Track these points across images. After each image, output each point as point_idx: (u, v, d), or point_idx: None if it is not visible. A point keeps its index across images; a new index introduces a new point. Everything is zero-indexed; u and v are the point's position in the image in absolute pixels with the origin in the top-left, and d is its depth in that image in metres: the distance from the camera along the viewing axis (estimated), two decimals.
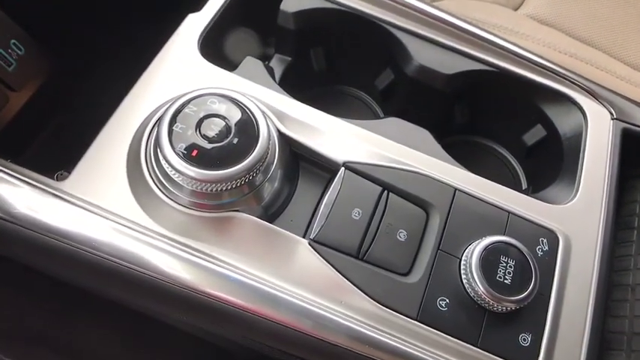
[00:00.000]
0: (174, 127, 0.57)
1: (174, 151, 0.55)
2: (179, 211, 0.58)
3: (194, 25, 0.72)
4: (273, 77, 0.73)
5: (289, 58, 0.82)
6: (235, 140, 0.57)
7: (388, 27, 0.79)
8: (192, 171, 0.55)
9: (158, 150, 0.56)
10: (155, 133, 0.59)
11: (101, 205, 0.58)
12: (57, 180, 0.61)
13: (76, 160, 0.63)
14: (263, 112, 0.61)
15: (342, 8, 0.79)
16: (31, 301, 0.80)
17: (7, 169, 0.58)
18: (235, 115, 0.59)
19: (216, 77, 0.68)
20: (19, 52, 0.85)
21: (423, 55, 0.77)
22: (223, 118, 0.58)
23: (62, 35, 0.90)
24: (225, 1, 0.76)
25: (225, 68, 0.70)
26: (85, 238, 0.56)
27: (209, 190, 0.56)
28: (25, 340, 0.80)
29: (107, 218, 0.57)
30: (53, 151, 0.81)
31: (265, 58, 0.81)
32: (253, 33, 0.84)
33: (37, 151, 0.84)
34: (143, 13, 0.84)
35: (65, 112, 0.90)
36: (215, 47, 0.72)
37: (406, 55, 0.78)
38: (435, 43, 0.79)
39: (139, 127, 0.63)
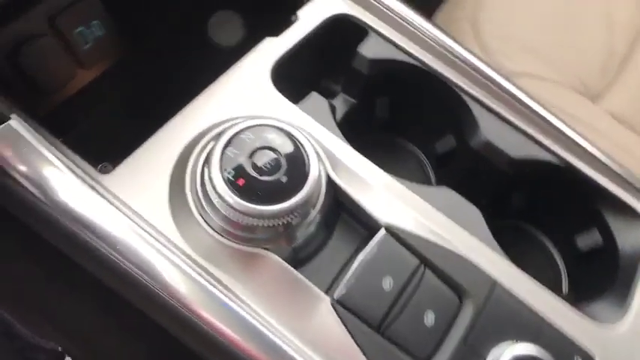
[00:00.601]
0: (227, 150, 0.55)
1: (222, 175, 0.54)
2: (209, 234, 0.56)
3: (271, 49, 0.71)
4: (335, 117, 0.71)
5: (354, 101, 0.80)
6: (284, 177, 0.55)
7: (461, 93, 0.77)
8: (234, 200, 0.53)
9: (206, 169, 0.55)
10: (207, 150, 0.58)
11: (135, 209, 0.57)
12: (100, 172, 0.60)
13: (121, 154, 0.62)
14: (317, 154, 0.59)
15: (419, 65, 0.77)
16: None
17: (57, 150, 0.57)
18: (289, 151, 0.57)
19: (280, 107, 0.67)
20: (98, 33, 0.87)
21: (491, 131, 0.74)
22: (277, 151, 0.56)
23: (145, 28, 0.91)
24: (306, 32, 0.75)
25: (290, 98, 0.69)
26: (110, 237, 0.55)
27: (245, 222, 0.54)
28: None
29: (137, 224, 0.56)
30: (101, 138, 0.81)
31: (329, 94, 0.80)
32: (323, 68, 0.83)
33: (85, 133, 0.84)
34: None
35: (124, 101, 0.91)
36: (284, 76, 0.71)
37: (474, 126, 0.75)
38: (506, 120, 0.76)
39: (193, 139, 0.62)
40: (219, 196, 0.53)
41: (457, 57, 0.78)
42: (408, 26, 0.78)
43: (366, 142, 0.84)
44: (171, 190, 0.59)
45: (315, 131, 0.66)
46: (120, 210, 0.56)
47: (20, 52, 0.79)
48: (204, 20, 0.92)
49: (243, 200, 0.53)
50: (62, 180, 0.56)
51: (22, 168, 0.55)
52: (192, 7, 0.92)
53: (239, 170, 0.54)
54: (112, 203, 0.57)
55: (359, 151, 0.68)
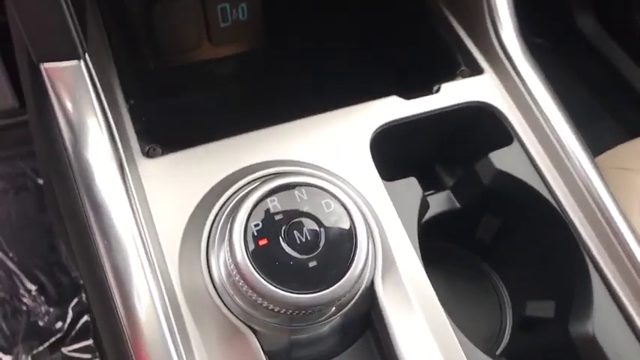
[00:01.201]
0: (268, 200, 0.45)
1: (245, 223, 0.43)
2: (204, 281, 0.46)
3: (391, 109, 0.61)
4: (421, 215, 0.58)
5: (458, 206, 0.66)
6: (314, 262, 0.43)
7: (586, 255, 0.59)
8: (243, 259, 0.42)
9: (233, 214, 0.44)
10: (251, 187, 0.48)
11: (153, 212, 0.49)
12: (143, 153, 0.53)
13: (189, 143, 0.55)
14: (369, 251, 0.47)
15: (552, 202, 0.61)
16: None
17: (112, 113, 0.51)
18: (337, 233, 0.45)
19: (364, 176, 0.55)
20: (240, 15, 0.82)
21: (604, 324, 0.56)
22: (322, 226, 0.45)
23: (291, 31, 0.84)
24: (439, 107, 0.63)
25: (384, 170, 0.57)
26: (107, 227, 0.47)
27: (246, 291, 0.43)
28: None
29: (142, 229, 0.48)
30: (185, 118, 0.75)
31: (433, 185, 0.66)
32: (441, 153, 0.70)
33: (173, 106, 0.79)
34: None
35: (231, 92, 0.85)
36: (392, 143, 0.60)
37: (585, 308, 0.57)
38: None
39: (249, 166, 0.52)
40: (231, 245, 0.43)
41: (600, 209, 0.61)
42: (557, 145, 0.62)
43: (451, 257, 0.70)
44: (197, 209, 0.50)
45: (387, 221, 0.53)
46: (134, 205, 0.48)
47: (161, 3, 0.76)
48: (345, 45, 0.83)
49: (254, 266, 0.42)
50: (96, 145, 0.50)
51: (67, 111, 0.50)
52: (345, 28, 0.85)
53: (268, 228, 0.43)
54: (130, 192, 0.49)
55: (430, 264, 0.54)
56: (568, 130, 0.63)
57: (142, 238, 0.47)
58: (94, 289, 0.47)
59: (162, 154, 0.54)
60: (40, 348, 1.20)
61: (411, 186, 0.58)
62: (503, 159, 0.62)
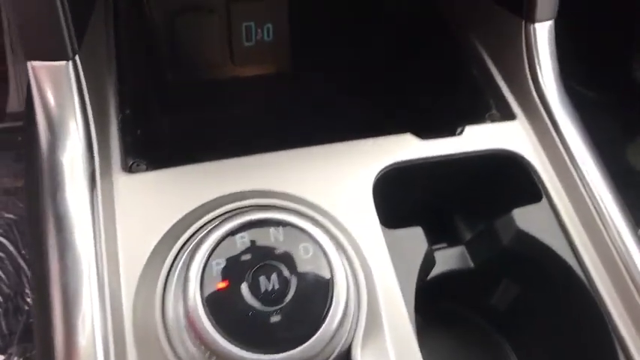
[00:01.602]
0: (237, 236, 0.39)
1: (204, 261, 0.38)
2: (155, 327, 0.41)
3: (404, 148, 0.54)
4: (422, 273, 0.51)
5: (471, 266, 0.58)
6: (278, 316, 0.37)
7: (614, 335, 0.51)
8: (196, 301, 0.37)
9: (196, 247, 0.39)
10: (223, 218, 0.43)
11: (119, 233, 0.45)
12: (124, 167, 0.49)
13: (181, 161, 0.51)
14: (354, 312, 0.40)
15: (581, 278, 0.52)
16: None
17: (98, 123, 0.48)
18: (312, 284, 0.39)
19: (361, 220, 0.49)
20: (265, 36, 0.79)
21: None
22: (296, 274, 0.39)
23: (317, 60, 0.80)
24: (459, 152, 0.56)
25: (388, 218, 0.50)
26: (66, 240, 0.43)
27: (195, 338, 0.37)
28: None
29: (100, 249, 0.43)
30: (186, 134, 0.72)
31: (444, 237, 0.59)
32: (457, 202, 0.63)
33: (179, 120, 0.76)
34: None
35: (241, 112, 0.81)
36: (400, 187, 0.54)
37: None
38: None
39: (226, 196, 0.47)
40: (185, 283, 0.37)
41: (638, 290, 0.52)
42: (593, 209, 0.54)
43: (453, 322, 0.62)
44: (165, 237, 0.45)
45: (380, 276, 0.46)
46: (97, 223, 0.44)
47: (185, 14, 0.74)
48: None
49: (206, 313, 0.36)
50: (70, 152, 0.46)
51: (47, 112, 0.46)
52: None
53: (231, 268, 0.38)
54: (96, 207, 0.44)
55: (432, 328, 0.47)
56: (607, 193, 0.55)
57: (97, 262, 0.42)
58: (38, 302, 0.43)
59: (146, 170, 0.50)
60: (34, 352, 1.17)
61: (414, 237, 0.51)
62: (527, 218, 0.54)
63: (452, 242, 0.59)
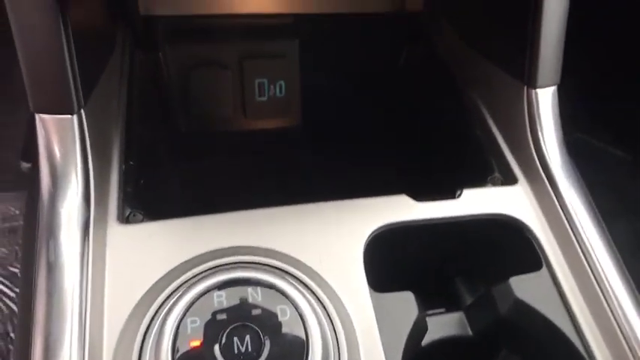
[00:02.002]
0: (215, 294, 0.39)
1: (177, 320, 0.38)
2: None
3: (400, 209, 0.54)
4: (418, 337, 0.49)
5: (470, 333, 0.56)
6: None
7: None
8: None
9: (173, 304, 0.39)
10: (200, 280, 0.43)
11: (107, 286, 0.45)
12: (126, 219, 0.50)
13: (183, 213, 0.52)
14: None
15: (573, 341, 0.50)
16: None
17: (98, 175, 0.49)
18: (287, 349, 0.38)
19: (351, 284, 0.48)
20: (277, 92, 0.81)
21: None
22: (270, 337, 0.38)
23: (324, 115, 0.82)
24: (455, 215, 0.55)
25: (379, 281, 0.50)
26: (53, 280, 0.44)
27: None
28: None
29: (84, 298, 0.43)
30: (187, 185, 0.73)
31: (438, 303, 0.58)
32: (452, 271, 0.61)
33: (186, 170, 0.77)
34: None
35: (247, 168, 0.82)
36: (383, 251, 0.53)
37: None
38: None
39: (211, 252, 0.47)
40: (159, 341, 0.37)
41: None
42: (594, 281, 0.52)
43: None
44: (149, 291, 0.45)
45: (364, 343, 0.45)
46: (85, 274, 0.45)
47: (199, 70, 0.77)
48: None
49: None
50: (67, 202, 0.47)
51: (50, 162, 0.48)
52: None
53: (206, 328, 0.38)
54: (86, 258, 0.45)
55: None
56: (611, 266, 0.53)
57: (81, 312, 0.42)
58: (20, 346, 0.43)
59: (142, 220, 0.51)
60: None
61: (405, 301, 0.49)
62: (526, 287, 0.53)
63: (447, 308, 0.57)
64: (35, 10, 0.45)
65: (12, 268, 1.31)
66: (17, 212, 1.43)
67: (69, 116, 0.49)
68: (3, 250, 1.36)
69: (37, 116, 0.49)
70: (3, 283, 1.29)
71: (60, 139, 0.49)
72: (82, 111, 0.49)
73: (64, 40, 0.46)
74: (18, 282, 1.32)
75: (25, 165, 1.46)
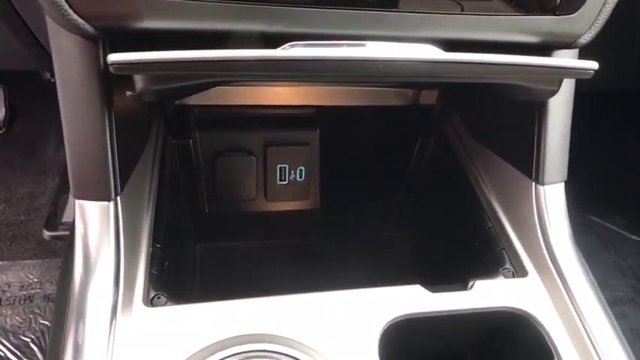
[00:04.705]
0: None
1: None
2: None
3: (400, 303, 0.56)
4: None
5: None
6: None
7: None
8: None
9: None
10: None
11: None
12: (150, 301, 0.53)
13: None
14: None
15: None
16: None
17: (125, 256, 0.53)
18: None
19: None
20: (298, 177, 0.85)
21: None
22: None
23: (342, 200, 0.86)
24: (461, 308, 0.57)
25: None
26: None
27: None
28: None
29: None
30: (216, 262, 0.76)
31: None
32: None
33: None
34: None
35: (270, 246, 0.85)
36: (398, 341, 0.54)
37: None
38: None
39: (228, 339, 0.49)
40: None
41: None
42: None
43: None
44: None
45: None
46: (111, 352, 0.47)
47: (226, 155, 0.82)
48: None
49: None
50: (97, 287, 0.50)
51: (84, 246, 0.52)
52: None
53: None
54: (111, 341, 0.48)
55: None
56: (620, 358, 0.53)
57: None
58: None
59: (166, 304, 0.54)
60: None
61: None
62: None
63: None
64: (83, 102, 0.50)
65: (24, 338, 1.31)
66: (35, 280, 1.45)
67: (106, 203, 0.53)
68: (17, 318, 1.37)
69: (77, 202, 0.53)
70: (14, 353, 1.29)
71: (96, 224, 0.52)
72: (118, 198, 0.53)
73: (108, 133, 0.51)
74: (29, 352, 1.32)
75: (48, 234, 1.49)
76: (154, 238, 0.60)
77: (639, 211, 1.56)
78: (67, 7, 0.43)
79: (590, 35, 0.54)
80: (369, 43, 0.46)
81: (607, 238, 1.66)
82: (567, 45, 0.56)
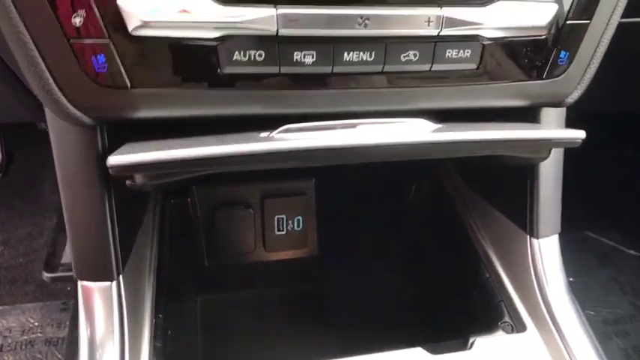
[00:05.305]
0: None
1: None
2: None
3: None
4: None
5: None
6: None
7: None
8: None
9: None
10: None
11: None
12: None
13: None
14: None
15: None
16: None
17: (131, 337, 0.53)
18: None
19: None
20: (296, 226, 0.86)
21: None
22: None
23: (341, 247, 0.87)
24: None
25: None
26: None
27: None
28: None
29: None
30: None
31: None
32: None
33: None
34: None
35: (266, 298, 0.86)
36: None
37: None
38: None
39: None
40: None
41: None
42: None
43: None
44: None
45: None
46: None
47: (224, 209, 0.83)
48: None
49: None
50: None
51: (89, 326, 0.52)
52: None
53: None
54: None
55: None
56: None
57: None
58: None
59: None
60: None
61: None
62: None
63: None
64: (82, 186, 0.51)
65: None
66: (36, 324, 1.44)
67: (109, 283, 0.53)
68: None
69: (79, 283, 0.54)
70: None
71: (100, 305, 0.53)
72: (121, 277, 0.54)
73: (108, 216, 0.52)
74: None
75: (47, 275, 1.48)
76: (156, 308, 0.60)
77: (636, 225, 1.56)
78: (64, 100, 0.44)
79: (577, 94, 0.56)
80: (361, 127, 0.47)
81: (604, 254, 1.66)
82: (556, 104, 0.57)
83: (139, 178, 0.44)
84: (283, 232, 0.86)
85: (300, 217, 0.86)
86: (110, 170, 0.42)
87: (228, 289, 0.85)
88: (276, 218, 0.85)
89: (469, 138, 0.46)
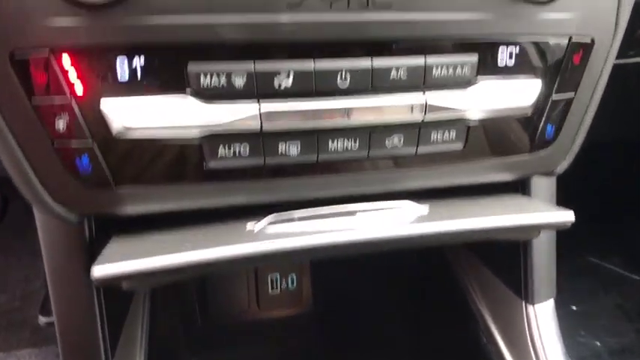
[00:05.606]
0: None
1: None
2: None
3: None
4: None
5: None
6: None
7: None
8: None
9: None
10: None
11: None
12: None
13: None
14: None
15: None
16: None
17: None
18: None
19: None
20: (290, 284, 0.86)
21: None
22: None
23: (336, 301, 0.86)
24: None
25: None
26: None
27: None
28: None
29: None
30: None
31: None
32: None
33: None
34: None
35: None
36: None
37: None
38: None
39: None
40: None
41: None
42: None
43: None
44: None
45: None
46: None
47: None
48: None
49: None
50: None
51: None
52: None
53: None
54: None
55: None
56: None
57: None
58: None
59: None
60: None
61: None
62: None
63: None
64: (69, 275, 0.50)
65: None
66: None
67: None
68: None
69: None
70: None
71: None
72: None
73: (96, 306, 0.51)
74: None
75: (43, 320, 1.47)
76: None
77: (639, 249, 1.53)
78: (48, 198, 0.44)
79: (567, 163, 0.56)
80: (345, 219, 0.47)
81: (607, 279, 1.63)
82: (546, 174, 0.57)
83: (125, 284, 0.44)
84: (277, 291, 0.85)
85: (293, 275, 0.85)
86: (95, 282, 0.42)
87: (222, 348, 0.84)
88: (269, 277, 0.84)
89: (454, 229, 0.45)
